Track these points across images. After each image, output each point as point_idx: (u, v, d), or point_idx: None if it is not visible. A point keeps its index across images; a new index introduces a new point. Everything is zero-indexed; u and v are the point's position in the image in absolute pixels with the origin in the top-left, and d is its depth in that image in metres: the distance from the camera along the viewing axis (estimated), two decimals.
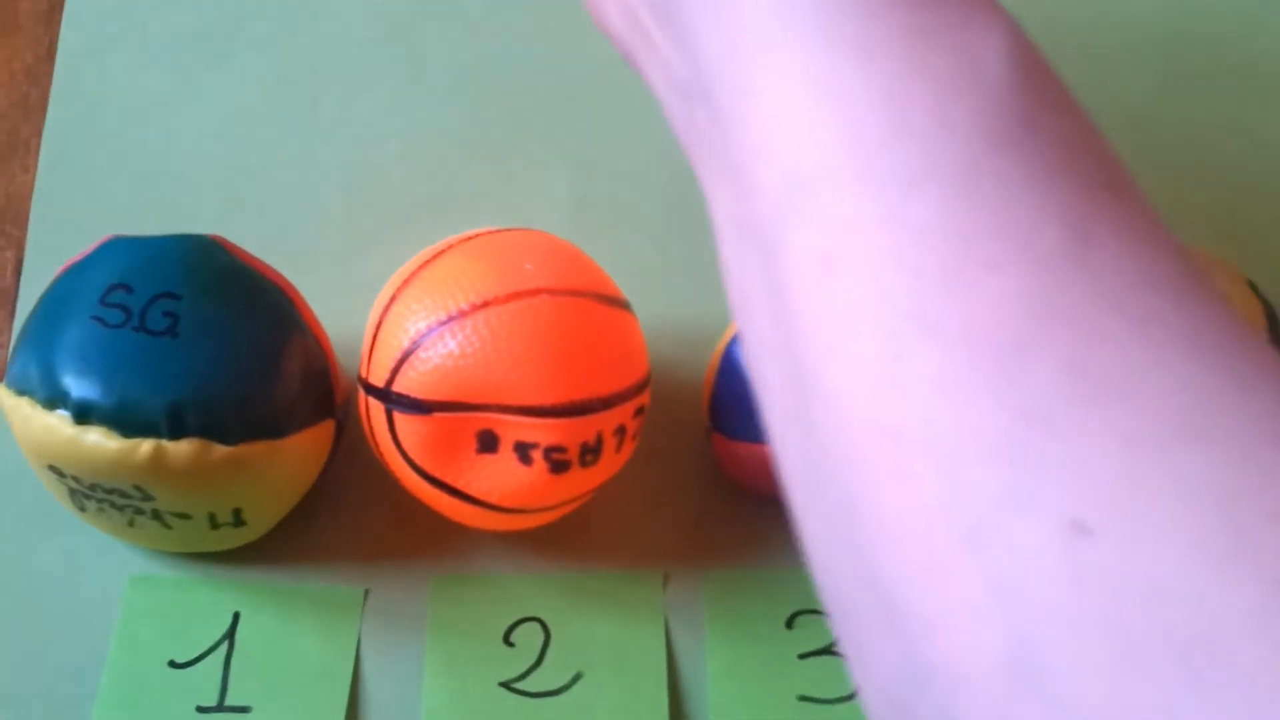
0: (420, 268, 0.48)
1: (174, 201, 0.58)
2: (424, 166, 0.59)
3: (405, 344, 0.46)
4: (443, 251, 0.48)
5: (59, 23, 0.62)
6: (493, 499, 0.47)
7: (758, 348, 0.33)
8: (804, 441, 0.31)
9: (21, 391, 0.46)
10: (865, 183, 0.29)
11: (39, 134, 0.59)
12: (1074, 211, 0.28)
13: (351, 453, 0.52)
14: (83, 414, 0.45)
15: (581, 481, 0.47)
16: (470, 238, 0.49)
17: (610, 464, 0.48)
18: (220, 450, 0.45)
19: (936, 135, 0.29)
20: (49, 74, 0.60)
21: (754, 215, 0.31)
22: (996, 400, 0.27)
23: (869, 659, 0.30)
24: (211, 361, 0.46)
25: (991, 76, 0.29)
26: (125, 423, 0.45)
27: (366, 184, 0.59)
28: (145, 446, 0.45)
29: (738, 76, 0.32)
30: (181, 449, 0.45)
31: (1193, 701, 0.23)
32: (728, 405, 0.50)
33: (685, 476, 0.53)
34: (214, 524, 0.48)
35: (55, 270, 0.50)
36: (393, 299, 0.48)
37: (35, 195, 0.57)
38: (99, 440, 0.45)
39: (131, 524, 0.48)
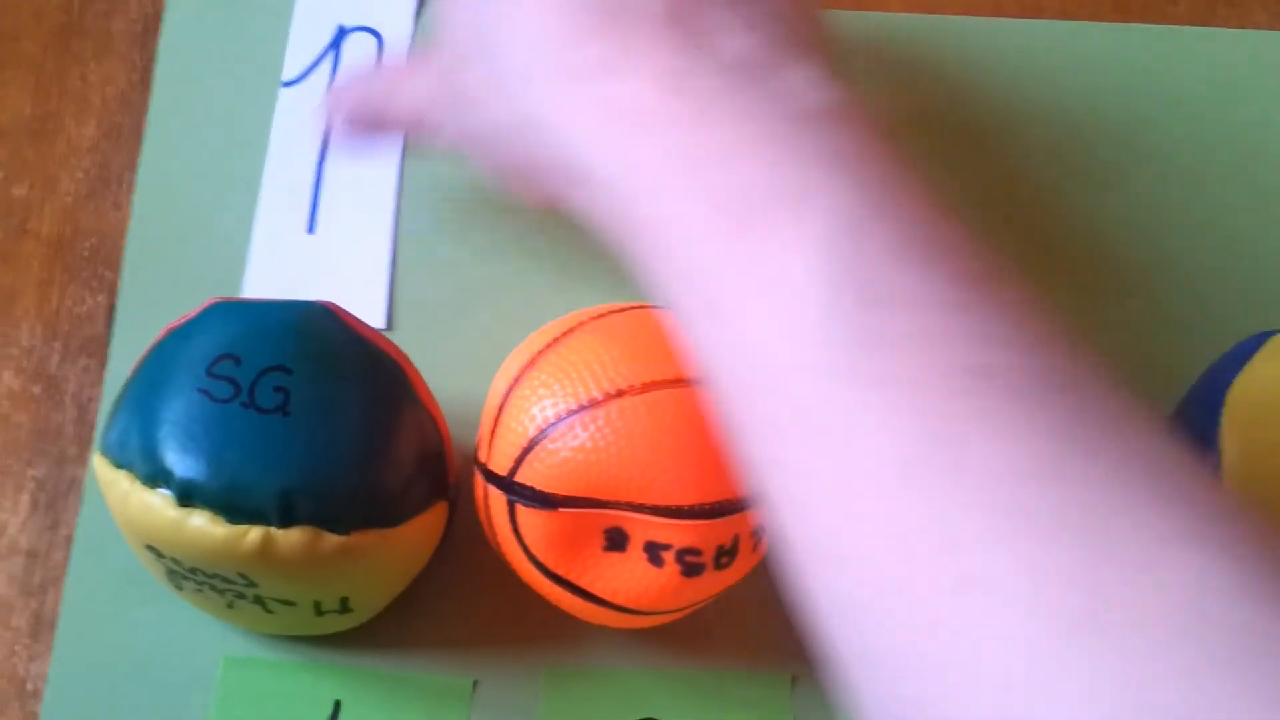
0: (547, 348, 0.44)
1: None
2: (543, 223, 0.56)
3: (531, 432, 0.43)
4: (572, 329, 0.45)
5: (154, 45, 0.58)
6: (618, 599, 0.44)
7: None
8: None
9: (120, 464, 0.43)
10: (757, 434, 0.34)
11: (133, 167, 0.56)
12: (926, 420, 0.29)
13: (462, 532, 0.49)
14: (187, 495, 0.42)
15: (713, 584, 0.44)
16: (601, 315, 0.45)
17: (744, 564, 0.45)
18: (332, 540, 0.42)
19: (789, 385, 0.32)
20: (144, 101, 0.57)
21: None
22: None
23: None
24: (325, 445, 0.43)
25: (822, 305, 0.31)
26: (233, 508, 0.42)
27: (481, 238, 0.56)
28: (253, 534, 0.42)
29: None
30: (291, 538, 0.42)
31: None
32: None
33: None
34: (319, 611, 0.45)
35: (150, 317, 0.48)
36: (516, 380, 0.44)
37: (129, 235, 0.54)
38: (203, 525, 0.42)
39: (231, 606, 0.45)
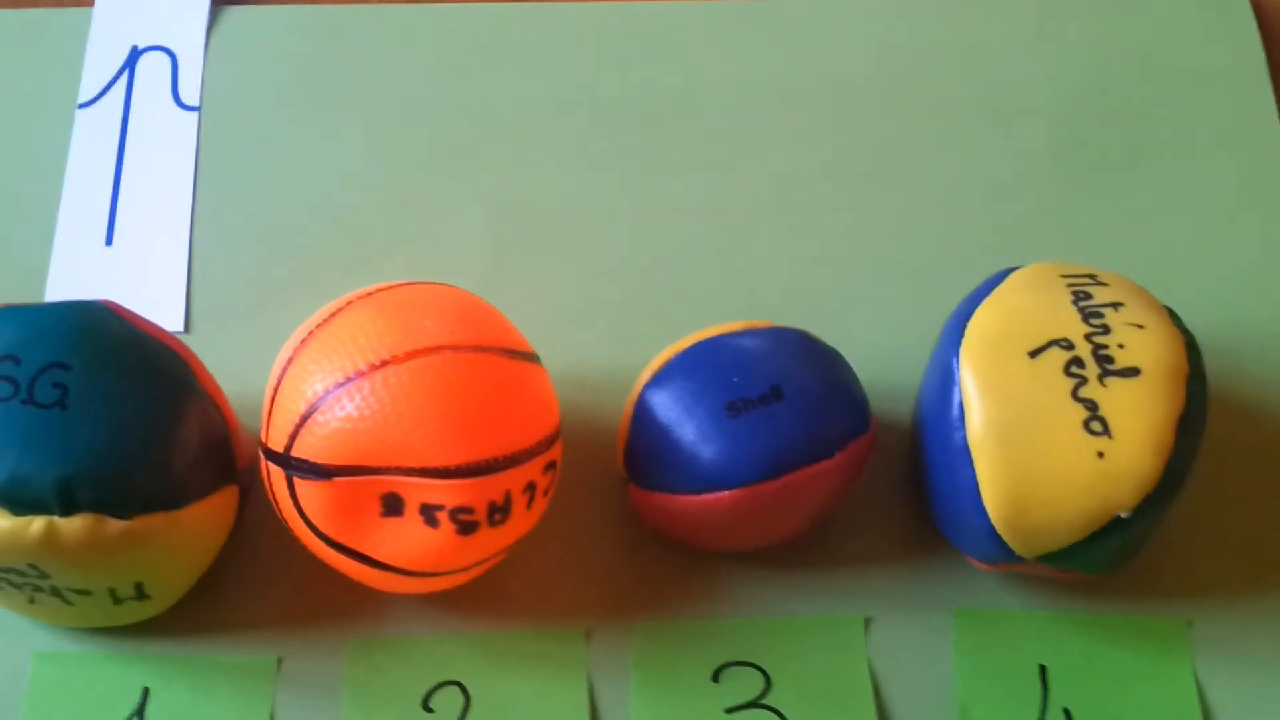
0: (318, 326, 0.46)
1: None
2: (334, 214, 0.58)
3: (303, 407, 0.45)
4: (341, 309, 0.47)
5: None
6: (400, 563, 0.46)
7: None
8: None
9: None
10: None
11: None
12: None
13: (259, 516, 0.50)
14: None
15: (491, 541, 0.46)
16: (370, 293, 0.47)
17: (522, 522, 0.47)
18: (115, 525, 0.44)
19: None
20: None
21: None
22: None
23: None
24: (102, 434, 0.44)
25: None
26: (15, 500, 0.43)
27: (275, 234, 0.58)
28: (36, 524, 0.43)
29: None
30: (74, 525, 0.43)
31: None
32: (643, 455, 0.49)
33: (603, 528, 0.52)
34: (116, 599, 0.47)
35: None
36: (290, 360, 0.46)
37: None
38: None
39: (32, 601, 0.47)
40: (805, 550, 0.52)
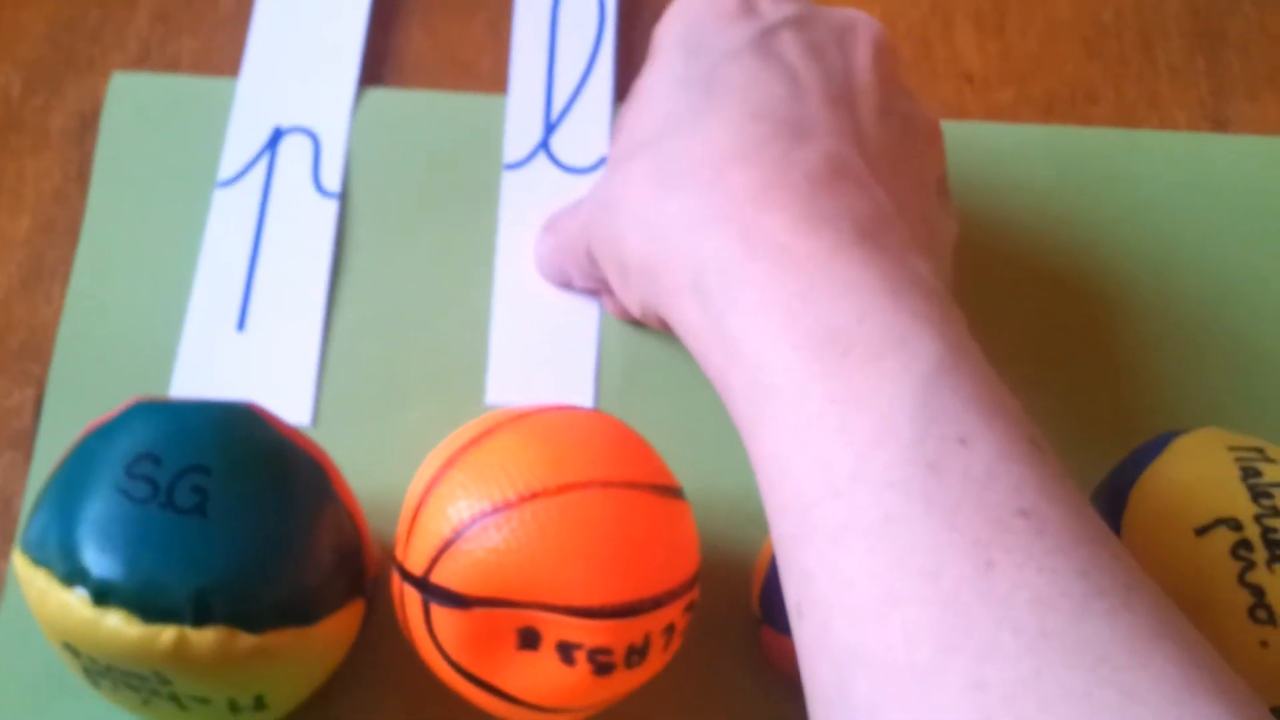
0: (464, 448, 0.45)
1: None
2: (468, 315, 0.57)
3: (447, 532, 0.44)
4: (489, 431, 0.46)
5: (91, 141, 0.59)
6: (531, 698, 0.44)
7: None
8: None
9: (39, 562, 0.43)
10: (809, 541, 0.37)
11: (66, 262, 0.56)
12: (977, 545, 0.34)
13: (379, 626, 0.49)
14: (102, 595, 0.42)
15: (624, 682, 0.45)
16: (519, 417, 0.46)
17: (656, 663, 0.45)
18: (247, 639, 0.43)
19: (853, 493, 0.36)
20: (78, 196, 0.58)
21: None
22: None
23: None
24: (241, 545, 0.43)
25: (898, 429, 0.36)
26: (147, 608, 0.42)
27: (407, 331, 0.56)
28: (167, 634, 0.42)
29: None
30: (206, 638, 0.42)
31: None
32: (783, 599, 0.47)
33: (731, 668, 0.51)
34: (234, 708, 0.46)
35: (78, 413, 0.48)
36: (434, 480, 0.45)
37: (60, 330, 0.55)
38: (118, 625, 0.42)
39: (146, 703, 0.46)
40: None
